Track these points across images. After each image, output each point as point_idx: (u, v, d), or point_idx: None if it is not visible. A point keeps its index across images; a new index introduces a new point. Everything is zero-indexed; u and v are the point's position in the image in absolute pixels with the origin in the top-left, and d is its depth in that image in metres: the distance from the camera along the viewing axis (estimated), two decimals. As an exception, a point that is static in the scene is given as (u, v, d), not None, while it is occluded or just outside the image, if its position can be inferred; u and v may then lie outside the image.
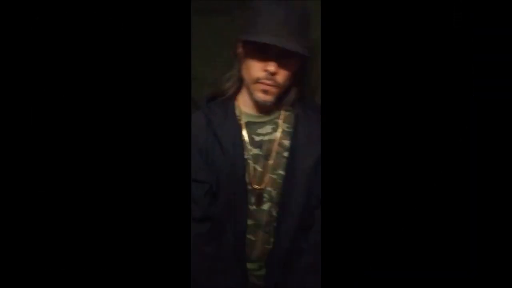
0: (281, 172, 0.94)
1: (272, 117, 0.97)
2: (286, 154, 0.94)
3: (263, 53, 0.87)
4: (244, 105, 0.96)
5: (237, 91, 0.97)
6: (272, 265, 0.95)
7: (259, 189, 0.94)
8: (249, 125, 0.96)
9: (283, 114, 0.96)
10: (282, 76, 0.89)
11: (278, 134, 0.95)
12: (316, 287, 0.85)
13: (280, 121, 0.96)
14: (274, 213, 0.94)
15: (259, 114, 0.96)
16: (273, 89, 0.89)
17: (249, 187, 0.94)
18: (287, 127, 0.96)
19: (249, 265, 0.96)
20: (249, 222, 0.94)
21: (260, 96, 0.90)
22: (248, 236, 0.94)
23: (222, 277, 0.94)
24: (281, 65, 0.87)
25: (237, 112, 0.96)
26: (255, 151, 0.94)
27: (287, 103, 0.96)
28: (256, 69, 0.89)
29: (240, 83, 0.96)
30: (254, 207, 0.94)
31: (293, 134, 0.95)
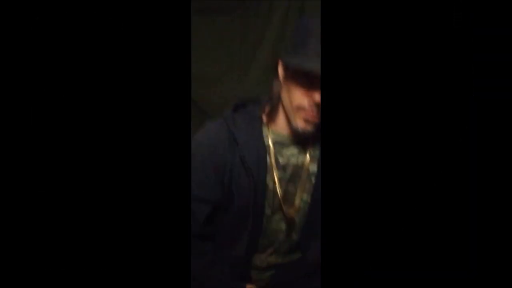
0: (307, 198, 0.90)
1: (298, 137, 0.90)
2: (313, 179, 0.90)
3: (309, 79, 0.80)
4: (274, 125, 0.90)
5: (270, 109, 0.91)
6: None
7: (292, 216, 0.89)
8: (275, 145, 0.90)
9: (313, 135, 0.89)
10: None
11: (304, 158, 0.90)
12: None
13: (308, 142, 0.90)
14: (295, 237, 0.92)
15: (289, 137, 0.90)
16: (315, 120, 0.83)
17: (281, 212, 0.89)
18: (317, 151, 0.91)
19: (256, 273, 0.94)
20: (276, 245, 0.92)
21: (301, 125, 0.84)
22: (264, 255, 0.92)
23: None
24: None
25: (265, 132, 0.90)
26: (279, 174, 0.89)
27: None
28: (299, 96, 0.82)
29: (278, 103, 0.88)
30: (283, 231, 0.91)
31: (321, 160, 0.88)
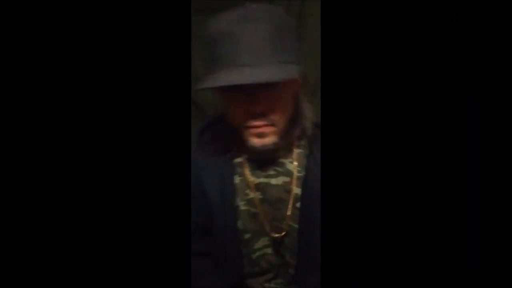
0: (293, 224, 0.79)
1: (277, 154, 0.78)
2: (298, 205, 0.78)
3: (243, 91, 0.69)
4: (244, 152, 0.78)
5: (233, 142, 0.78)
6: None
7: (279, 237, 0.78)
8: (249, 164, 0.79)
9: (294, 152, 0.79)
10: (276, 111, 0.71)
11: (286, 178, 0.78)
12: None
13: (287, 162, 0.79)
14: (290, 261, 0.81)
15: (261, 157, 0.78)
16: (270, 130, 0.71)
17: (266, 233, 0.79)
18: (298, 171, 0.78)
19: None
20: (264, 265, 0.81)
21: (256, 142, 0.72)
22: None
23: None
24: (270, 98, 0.69)
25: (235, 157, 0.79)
26: (255, 195, 0.78)
27: (297, 137, 0.77)
28: (240, 113, 0.71)
29: (232, 133, 0.76)
30: (270, 253, 0.81)
31: (305, 180, 0.77)
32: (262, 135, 0.72)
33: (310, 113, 0.78)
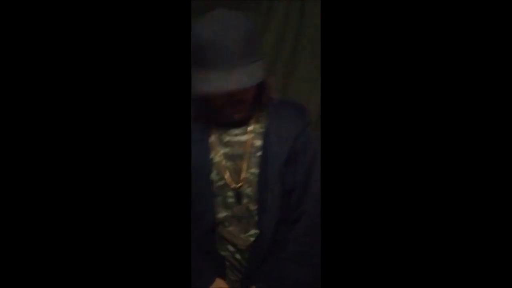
0: (255, 170, 0.96)
1: (244, 125, 0.98)
2: (259, 154, 0.96)
3: (221, 97, 0.87)
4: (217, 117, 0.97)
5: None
6: (255, 255, 0.97)
7: (237, 187, 0.96)
8: (220, 127, 0.97)
9: (256, 117, 0.98)
10: (246, 97, 0.89)
11: (249, 135, 0.97)
12: (299, 275, 0.94)
13: (251, 122, 0.98)
14: (252, 207, 0.96)
15: (231, 123, 0.97)
16: (242, 107, 0.91)
17: (230, 186, 0.96)
18: (259, 128, 0.98)
19: (228, 247, 0.99)
20: (227, 214, 0.97)
21: (234, 117, 0.92)
22: (228, 228, 0.97)
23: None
24: (243, 102, 0.89)
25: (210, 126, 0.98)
26: (226, 150, 0.96)
27: (260, 108, 0.97)
28: (221, 102, 0.89)
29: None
30: (231, 200, 0.97)
31: (265, 134, 0.97)
32: (238, 111, 0.92)
33: (271, 93, 0.98)
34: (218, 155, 0.97)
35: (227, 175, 0.96)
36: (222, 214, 0.97)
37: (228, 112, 0.92)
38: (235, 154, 0.97)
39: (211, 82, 0.83)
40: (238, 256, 0.98)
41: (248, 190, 0.96)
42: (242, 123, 0.97)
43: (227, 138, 0.97)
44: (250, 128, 0.98)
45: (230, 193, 0.97)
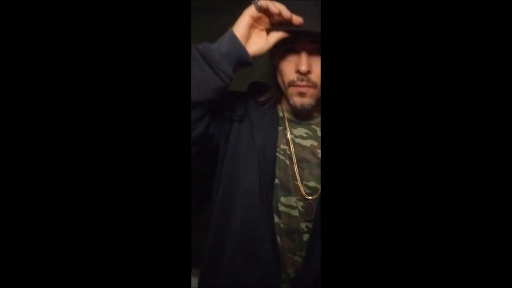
0: (314, 184, 0.88)
1: (310, 121, 0.91)
2: (318, 164, 0.88)
3: (293, 51, 0.83)
4: (286, 110, 0.93)
5: (278, 99, 0.93)
6: (300, 282, 0.85)
7: (312, 199, 0.87)
8: (286, 121, 0.91)
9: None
10: (316, 74, 0.83)
11: (313, 142, 0.90)
12: None
13: (317, 129, 0.91)
14: (304, 226, 0.87)
15: (298, 119, 0.91)
16: (310, 90, 0.84)
17: (299, 192, 0.87)
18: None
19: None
20: (277, 221, 0.87)
21: (297, 101, 0.85)
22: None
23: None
24: (313, 61, 0.83)
25: (279, 112, 0.93)
26: (290, 149, 0.89)
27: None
28: (288, 71, 0.85)
29: (279, 91, 0.91)
30: (283, 208, 0.87)
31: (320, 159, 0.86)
32: (303, 94, 0.85)
33: None
34: (279, 149, 0.88)
35: (298, 181, 0.86)
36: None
37: (295, 93, 0.85)
38: (298, 158, 0.88)
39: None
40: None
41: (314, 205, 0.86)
42: (306, 117, 0.89)
43: (288, 136, 0.90)
44: (317, 133, 0.90)
45: (296, 202, 0.87)
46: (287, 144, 0.89)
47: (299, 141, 0.90)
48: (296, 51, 0.83)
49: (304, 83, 0.84)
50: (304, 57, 0.82)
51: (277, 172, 0.88)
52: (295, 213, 0.88)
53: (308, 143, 0.90)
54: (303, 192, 0.87)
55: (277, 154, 0.89)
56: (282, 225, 0.88)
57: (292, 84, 0.85)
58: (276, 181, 0.88)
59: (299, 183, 0.87)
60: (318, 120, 0.92)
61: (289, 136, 0.90)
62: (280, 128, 0.91)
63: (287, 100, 0.88)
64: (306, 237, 0.87)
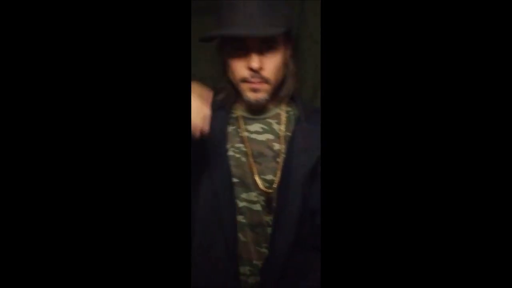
0: (271, 177, 0.89)
1: (265, 115, 0.92)
2: (274, 157, 0.89)
3: (242, 49, 0.84)
4: (240, 109, 0.93)
5: (235, 97, 0.93)
6: (267, 274, 0.88)
7: (270, 193, 0.88)
8: (240, 119, 0.92)
9: (282, 115, 0.92)
10: (269, 70, 0.84)
11: (269, 136, 0.91)
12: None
13: (273, 122, 0.92)
14: (267, 219, 0.89)
15: (250, 112, 0.92)
16: (263, 86, 0.85)
17: (258, 191, 0.89)
18: (282, 131, 0.91)
19: (241, 269, 0.90)
20: (239, 219, 0.89)
21: (251, 96, 0.86)
22: (238, 234, 0.89)
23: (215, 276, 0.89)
24: (265, 58, 0.84)
25: (234, 110, 0.93)
26: (240, 146, 0.90)
27: (284, 97, 0.90)
28: (239, 68, 0.85)
29: (233, 87, 0.90)
30: (244, 203, 0.89)
31: (290, 139, 0.89)
32: (256, 90, 0.86)
33: (295, 79, 0.92)
34: (234, 148, 0.90)
35: (256, 176, 0.87)
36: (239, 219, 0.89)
37: (248, 89, 0.85)
38: (255, 154, 0.90)
39: (235, 30, 0.81)
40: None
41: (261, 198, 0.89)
42: (262, 111, 0.90)
43: (246, 134, 0.90)
44: (272, 127, 0.91)
45: (257, 197, 0.89)
46: (242, 141, 0.90)
47: (255, 136, 0.91)
48: (245, 48, 0.84)
49: (256, 79, 0.85)
50: (254, 53, 0.83)
51: (234, 170, 0.89)
52: (257, 207, 0.90)
53: (264, 137, 0.91)
54: (262, 187, 0.88)
55: (232, 153, 0.90)
56: (245, 221, 0.90)
57: (244, 80, 0.85)
58: (235, 179, 0.89)
59: (257, 177, 0.88)
60: (273, 113, 0.92)
61: (244, 134, 0.90)
62: (233, 128, 0.92)
63: (241, 95, 0.89)
64: (269, 229, 0.89)
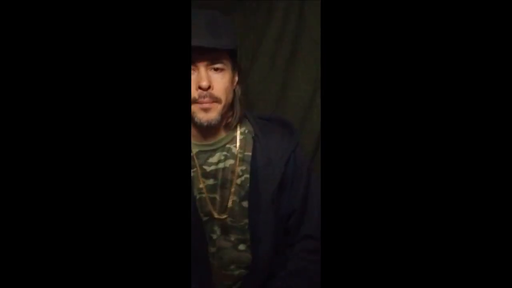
0: (242, 201, 0.92)
1: (223, 142, 0.94)
2: (241, 181, 0.92)
3: (192, 70, 0.85)
4: (193, 136, 0.93)
5: None
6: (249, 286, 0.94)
7: (222, 219, 0.92)
8: (199, 155, 0.93)
9: (237, 137, 0.94)
10: (218, 89, 0.86)
11: (231, 161, 0.93)
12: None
13: (232, 147, 0.94)
14: (242, 247, 0.93)
15: (207, 142, 0.93)
16: (214, 105, 0.86)
17: (214, 217, 0.92)
18: (241, 152, 0.93)
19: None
20: (212, 250, 0.94)
21: (202, 117, 0.86)
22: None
23: None
24: (213, 78, 0.85)
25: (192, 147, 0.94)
26: (209, 182, 0.92)
27: (235, 120, 0.92)
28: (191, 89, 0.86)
29: None
30: (217, 235, 0.94)
31: (251, 159, 0.92)
32: (207, 110, 0.86)
33: (242, 99, 0.94)
34: (200, 189, 0.92)
35: (210, 208, 0.91)
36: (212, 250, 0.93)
37: (199, 110, 0.86)
38: (219, 184, 0.92)
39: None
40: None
41: (233, 222, 0.92)
42: (218, 138, 0.92)
43: (210, 168, 0.92)
44: (232, 152, 0.93)
45: (213, 227, 0.93)
46: (198, 180, 0.92)
47: (221, 165, 0.93)
48: (193, 68, 0.85)
49: (206, 99, 0.85)
50: (203, 72, 0.84)
51: (201, 208, 0.93)
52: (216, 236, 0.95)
53: (227, 163, 0.93)
54: (216, 215, 0.93)
55: (195, 195, 0.92)
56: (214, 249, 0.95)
57: (194, 101, 0.86)
58: (205, 218, 0.93)
59: (212, 208, 0.92)
60: (231, 137, 0.94)
61: (200, 172, 0.92)
62: (194, 171, 0.93)
63: (193, 119, 0.88)
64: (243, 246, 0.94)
